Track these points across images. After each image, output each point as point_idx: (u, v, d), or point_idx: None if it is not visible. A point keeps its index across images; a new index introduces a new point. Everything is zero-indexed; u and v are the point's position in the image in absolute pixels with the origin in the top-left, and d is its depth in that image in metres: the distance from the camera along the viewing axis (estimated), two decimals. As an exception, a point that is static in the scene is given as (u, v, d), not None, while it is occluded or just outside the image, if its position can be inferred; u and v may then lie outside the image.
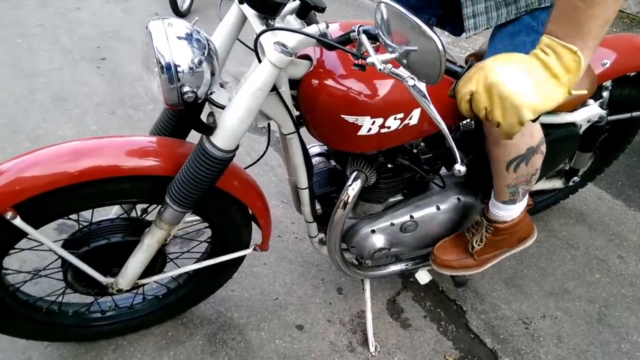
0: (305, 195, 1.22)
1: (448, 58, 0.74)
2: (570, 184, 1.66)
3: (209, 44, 0.89)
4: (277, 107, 1.01)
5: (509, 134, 0.72)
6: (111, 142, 1.01)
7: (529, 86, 0.67)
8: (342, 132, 1.03)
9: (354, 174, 1.18)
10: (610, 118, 1.50)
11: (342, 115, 0.99)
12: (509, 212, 1.29)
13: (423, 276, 1.49)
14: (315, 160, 1.34)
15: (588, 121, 1.37)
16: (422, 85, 0.79)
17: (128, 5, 3.87)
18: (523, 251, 1.65)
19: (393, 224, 1.31)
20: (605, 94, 1.37)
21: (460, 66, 0.80)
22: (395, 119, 1.01)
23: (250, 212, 1.22)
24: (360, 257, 1.41)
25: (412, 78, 0.76)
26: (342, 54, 1.01)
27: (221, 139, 0.95)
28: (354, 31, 0.86)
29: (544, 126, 1.23)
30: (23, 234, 1.01)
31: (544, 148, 1.17)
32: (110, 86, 2.71)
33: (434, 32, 0.68)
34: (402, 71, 0.76)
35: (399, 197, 1.37)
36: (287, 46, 0.88)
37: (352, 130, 1.02)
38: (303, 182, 1.19)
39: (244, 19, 1.03)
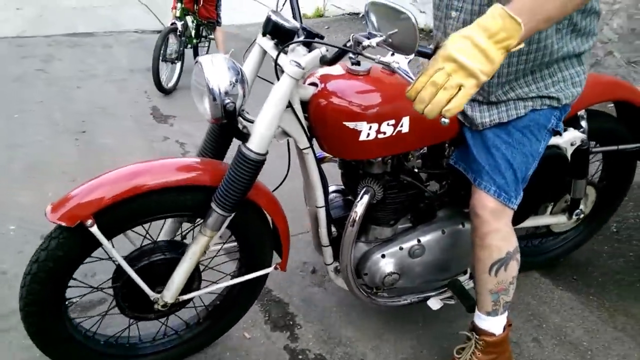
0: (322, 214, 1.33)
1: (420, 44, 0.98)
2: (574, 217, 1.70)
3: (240, 70, 1.12)
4: (292, 122, 1.21)
5: (466, 95, 0.85)
6: (166, 162, 1.21)
7: (480, 58, 0.84)
8: (345, 139, 1.20)
9: (363, 189, 1.31)
10: (599, 149, 1.65)
11: (344, 123, 1.18)
12: (493, 324, 1.34)
13: (434, 303, 1.53)
14: (332, 195, 1.48)
15: (572, 144, 1.48)
16: (405, 67, 1.06)
17: (124, 85, 4.11)
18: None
19: (402, 248, 1.41)
20: (584, 123, 1.51)
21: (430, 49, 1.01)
22: (388, 125, 1.19)
23: (274, 226, 1.34)
24: (374, 286, 1.46)
25: (396, 62, 1.03)
26: (338, 77, 1.25)
27: (254, 144, 1.14)
28: (349, 40, 1.12)
29: None
30: (94, 247, 1.15)
31: (518, 256, 1.30)
32: (81, 156, 2.88)
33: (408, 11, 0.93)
34: (387, 59, 1.05)
35: (407, 225, 1.47)
36: (299, 63, 1.10)
37: (353, 136, 1.19)
38: (320, 200, 1.31)
39: (262, 57, 1.25)
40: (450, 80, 0.84)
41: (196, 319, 1.48)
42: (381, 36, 0.99)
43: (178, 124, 3.42)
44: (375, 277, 1.41)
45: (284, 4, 1.27)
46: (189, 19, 4.22)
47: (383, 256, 1.40)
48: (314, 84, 1.24)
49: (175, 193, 1.17)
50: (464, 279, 1.57)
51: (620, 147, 1.66)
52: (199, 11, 4.23)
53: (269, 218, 1.33)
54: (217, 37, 4.44)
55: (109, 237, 1.14)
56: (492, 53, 0.83)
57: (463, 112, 1.28)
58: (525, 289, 1.86)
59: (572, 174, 1.59)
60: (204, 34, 4.52)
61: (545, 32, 1.12)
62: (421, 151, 1.40)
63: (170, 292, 1.26)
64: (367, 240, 1.44)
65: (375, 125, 1.18)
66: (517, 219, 1.51)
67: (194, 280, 1.32)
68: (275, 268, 1.41)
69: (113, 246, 1.17)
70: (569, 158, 1.49)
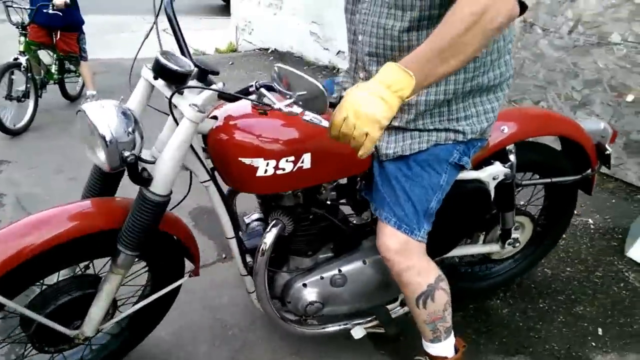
0: (233, 245, 1.34)
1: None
2: (507, 246, 1.71)
3: (134, 116, 1.09)
4: (190, 157, 1.20)
5: (372, 140, 0.94)
6: (57, 211, 1.15)
7: (379, 104, 0.93)
8: (243, 174, 1.20)
9: (273, 222, 1.32)
10: (530, 182, 1.66)
11: (240, 159, 1.18)
12: (441, 349, 1.39)
13: (358, 331, 1.52)
14: (255, 224, 1.50)
15: (494, 178, 1.48)
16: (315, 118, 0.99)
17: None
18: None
19: (322, 278, 1.41)
20: (512, 157, 1.51)
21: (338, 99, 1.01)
22: (287, 161, 1.19)
23: (181, 243, 1.34)
24: (297, 313, 1.46)
25: (306, 114, 0.97)
26: (238, 112, 1.23)
27: (158, 187, 1.13)
28: (252, 86, 1.14)
29: (455, 182, 1.32)
30: None
31: (444, 285, 1.33)
32: None
33: (316, 80, 0.95)
34: (295, 109, 0.98)
35: (329, 254, 1.47)
36: (198, 105, 1.08)
37: (250, 172, 1.19)
38: (228, 231, 1.32)
39: (150, 89, 1.20)
40: (357, 129, 0.93)
41: (118, 329, 1.49)
42: (290, 97, 0.99)
43: (9, 172, 2.97)
44: (298, 305, 1.42)
45: (148, 33, 1.21)
46: (44, 53, 3.94)
47: (305, 285, 1.41)
48: (215, 117, 1.24)
49: (74, 244, 1.12)
50: (393, 306, 1.57)
51: (554, 179, 1.65)
52: (57, 44, 3.94)
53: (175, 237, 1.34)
54: (83, 72, 4.14)
55: (14, 295, 1.12)
56: (389, 100, 0.93)
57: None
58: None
59: (498, 206, 1.60)
60: (72, 68, 4.23)
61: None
62: (335, 184, 1.40)
63: (90, 327, 1.27)
64: (288, 269, 1.45)
65: (272, 162, 1.18)
66: (442, 250, 1.52)
67: (110, 308, 1.31)
68: (190, 276, 1.44)
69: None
70: (492, 191, 1.49)
